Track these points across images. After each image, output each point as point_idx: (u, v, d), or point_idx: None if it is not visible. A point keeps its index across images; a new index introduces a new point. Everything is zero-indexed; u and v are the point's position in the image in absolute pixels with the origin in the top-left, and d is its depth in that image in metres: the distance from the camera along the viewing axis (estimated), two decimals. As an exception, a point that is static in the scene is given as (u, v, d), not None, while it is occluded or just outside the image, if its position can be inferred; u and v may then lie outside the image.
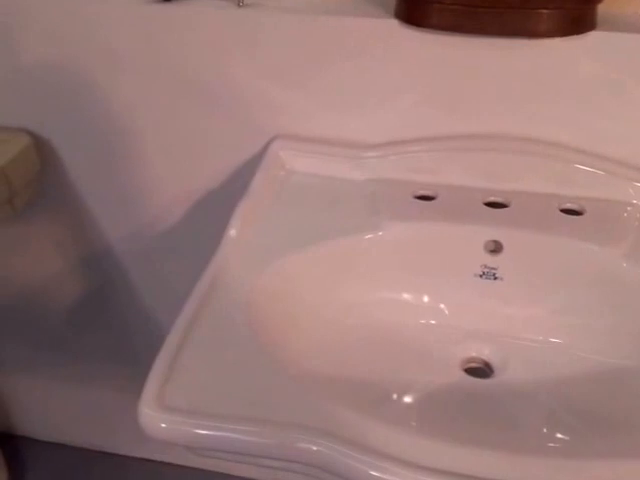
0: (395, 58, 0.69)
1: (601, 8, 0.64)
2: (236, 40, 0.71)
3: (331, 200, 0.70)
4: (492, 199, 0.69)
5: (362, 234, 0.66)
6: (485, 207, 0.68)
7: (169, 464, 1.07)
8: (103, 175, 0.84)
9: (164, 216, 0.85)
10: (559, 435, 0.57)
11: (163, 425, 0.46)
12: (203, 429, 0.46)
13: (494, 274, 0.66)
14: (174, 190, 0.83)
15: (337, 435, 0.45)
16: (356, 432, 0.47)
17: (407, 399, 0.62)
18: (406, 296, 0.67)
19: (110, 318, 0.96)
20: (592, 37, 0.65)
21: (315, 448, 0.44)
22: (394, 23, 0.67)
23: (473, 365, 0.66)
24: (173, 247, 0.87)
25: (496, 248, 0.66)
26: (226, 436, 0.46)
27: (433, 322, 0.67)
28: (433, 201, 0.69)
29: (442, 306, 0.67)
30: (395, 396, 0.62)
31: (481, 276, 0.66)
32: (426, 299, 0.67)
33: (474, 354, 0.66)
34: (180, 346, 0.52)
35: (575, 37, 0.65)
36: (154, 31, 0.72)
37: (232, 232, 0.64)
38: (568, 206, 0.68)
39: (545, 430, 0.58)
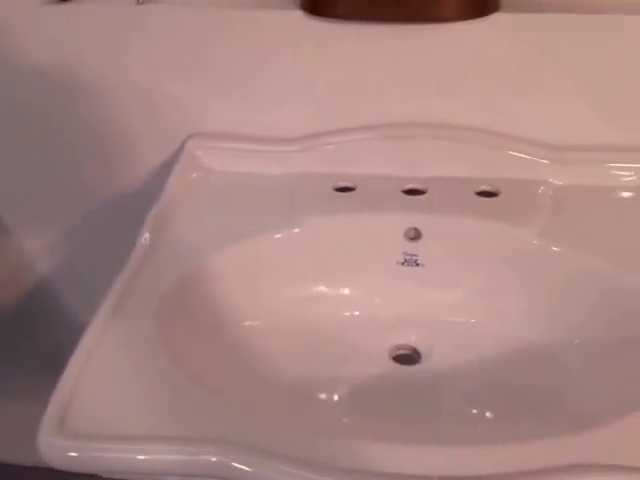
0: (304, 50, 0.69)
1: (504, -10, 0.65)
2: (139, 39, 0.69)
3: (249, 198, 0.69)
4: (410, 186, 0.69)
5: (280, 231, 0.65)
6: (403, 195, 0.69)
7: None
8: (16, 184, 0.81)
9: (84, 223, 0.82)
10: (487, 415, 0.59)
11: (70, 454, 0.45)
12: (109, 452, 0.45)
13: (415, 260, 0.66)
14: (93, 196, 0.80)
15: (243, 444, 0.44)
16: (267, 438, 0.46)
17: (337, 395, 0.62)
18: (329, 290, 0.67)
19: (37, 332, 0.93)
20: (496, 19, 0.65)
21: (216, 459, 0.43)
22: (299, 14, 0.66)
23: (401, 352, 0.66)
24: (97, 255, 0.84)
25: (415, 235, 0.66)
26: (133, 458, 0.44)
27: (358, 313, 0.67)
28: (352, 192, 0.69)
29: (367, 296, 0.67)
30: (325, 393, 0.62)
31: (403, 263, 0.67)
32: (350, 291, 0.67)
33: (401, 341, 0.66)
34: (84, 366, 0.50)
35: (479, 20, 0.65)
36: (53, 33, 0.69)
37: (144, 239, 0.63)
38: (483, 188, 0.69)
39: (474, 412, 0.59)
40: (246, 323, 0.62)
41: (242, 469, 0.43)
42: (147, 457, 0.44)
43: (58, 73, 0.72)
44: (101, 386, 0.49)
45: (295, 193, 0.69)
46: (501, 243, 0.64)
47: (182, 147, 0.73)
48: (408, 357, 0.66)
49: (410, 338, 0.66)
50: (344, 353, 0.65)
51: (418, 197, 0.68)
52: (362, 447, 0.47)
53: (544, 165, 0.69)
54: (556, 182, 0.69)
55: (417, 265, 0.66)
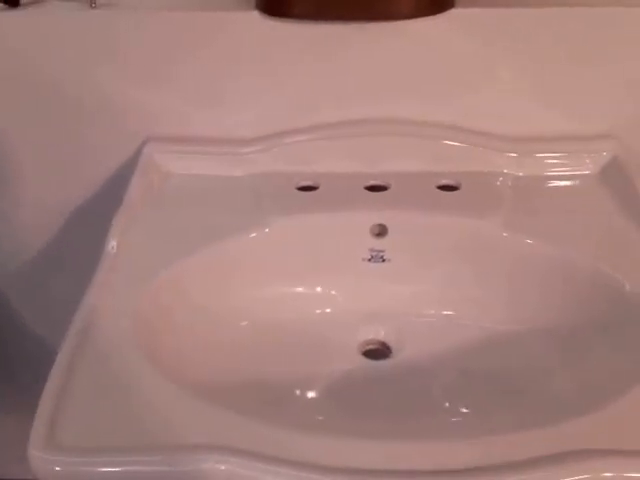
0: (261, 50, 0.68)
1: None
2: (93, 42, 0.67)
3: (212, 200, 0.68)
4: (372, 183, 0.70)
5: (247, 233, 0.65)
6: (366, 192, 0.69)
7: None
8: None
9: (41, 232, 0.80)
10: (462, 409, 0.59)
11: (57, 468, 0.44)
12: (104, 466, 0.44)
13: (382, 256, 0.67)
14: (48, 203, 0.78)
15: (243, 450, 0.44)
16: (267, 444, 0.46)
17: (310, 393, 0.62)
18: (298, 289, 0.67)
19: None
20: (452, 15, 0.66)
21: (223, 467, 0.43)
22: (255, 15, 0.66)
23: (371, 347, 0.66)
24: (56, 265, 0.82)
25: (381, 231, 0.67)
26: (130, 470, 0.44)
27: (328, 311, 0.67)
28: (315, 191, 0.69)
29: (335, 294, 0.67)
30: (298, 392, 0.62)
31: (370, 260, 0.67)
32: (319, 289, 0.67)
33: (371, 337, 0.67)
34: (66, 379, 0.49)
35: (435, 16, 0.66)
36: (7, 39, 0.67)
37: (111, 246, 0.61)
38: (444, 182, 0.70)
39: (447, 405, 0.60)
40: (218, 325, 0.62)
41: (249, 475, 0.43)
42: (143, 468, 0.44)
43: (10, 80, 0.70)
44: (85, 399, 0.48)
45: (259, 194, 0.69)
46: (465, 235, 0.65)
47: (140, 151, 0.72)
48: (379, 352, 0.66)
49: (380, 333, 0.67)
50: (315, 351, 0.65)
51: (381, 193, 0.69)
52: (346, 445, 0.47)
53: (502, 157, 0.70)
54: (514, 173, 0.70)
55: (383, 261, 0.67)
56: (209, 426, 0.46)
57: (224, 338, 0.62)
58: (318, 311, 0.67)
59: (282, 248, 0.66)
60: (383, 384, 0.63)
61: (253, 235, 0.65)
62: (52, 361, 0.85)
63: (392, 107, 0.71)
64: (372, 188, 0.70)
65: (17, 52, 0.68)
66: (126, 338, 0.53)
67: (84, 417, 0.47)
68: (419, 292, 0.67)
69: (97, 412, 0.48)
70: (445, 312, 0.66)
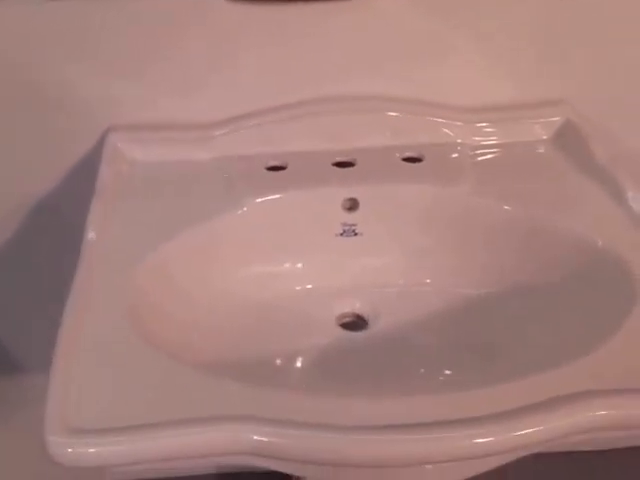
0: (221, 32, 0.69)
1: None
2: (52, 32, 0.66)
3: (184, 185, 0.68)
4: (339, 159, 0.71)
5: (223, 214, 0.65)
6: (334, 168, 0.70)
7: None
8: None
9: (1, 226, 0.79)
10: (445, 371, 0.62)
11: (80, 450, 0.44)
12: (130, 444, 0.44)
13: (354, 230, 0.69)
14: (9, 194, 0.76)
15: (265, 418, 0.45)
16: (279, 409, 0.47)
17: (295, 365, 0.64)
18: (275, 267, 0.68)
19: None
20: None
21: (247, 436, 0.44)
22: (217, -2, 0.66)
23: (349, 320, 0.68)
24: (21, 259, 0.80)
25: (352, 205, 0.68)
26: (155, 445, 0.44)
27: (305, 287, 0.68)
28: (284, 171, 0.70)
29: (310, 270, 0.69)
30: (284, 365, 0.64)
31: (342, 234, 0.69)
32: (294, 266, 0.69)
33: (348, 310, 0.69)
34: (69, 366, 0.49)
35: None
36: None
37: (91, 236, 0.61)
38: (408, 154, 0.72)
39: (426, 369, 0.62)
40: (201, 306, 0.62)
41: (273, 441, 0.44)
42: (170, 440, 0.45)
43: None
44: (91, 383, 0.49)
45: (229, 176, 0.69)
46: (435, 204, 0.68)
47: (102, 141, 0.71)
48: (356, 324, 0.68)
49: (356, 306, 0.69)
50: (295, 326, 0.66)
51: (349, 169, 0.70)
52: (348, 404, 0.49)
53: (461, 127, 0.73)
54: (473, 142, 0.73)
55: (355, 234, 0.69)
56: (219, 397, 0.47)
57: (208, 320, 0.62)
58: (295, 287, 0.68)
59: (258, 228, 0.66)
60: (363, 353, 0.65)
61: (230, 217, 0.65)
62: (20, 357, 0.85)
63: (352, 83, 0.72)
64: (339, 164, 0.71)
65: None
66: (120, 323, 0.54)
67: (94, 400, 0.48)
68: (392, 263, 0.69)
69: (105, 395, 0.48)
70: (419, 281, 0.68)
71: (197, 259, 0.64)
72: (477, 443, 0.46)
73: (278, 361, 0.64)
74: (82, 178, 0.72)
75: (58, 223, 0.76)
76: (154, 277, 0.60)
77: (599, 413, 0.46)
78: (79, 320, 0.54)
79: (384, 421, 0.47)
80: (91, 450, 0.45)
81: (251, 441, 0.45)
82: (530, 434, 0.46)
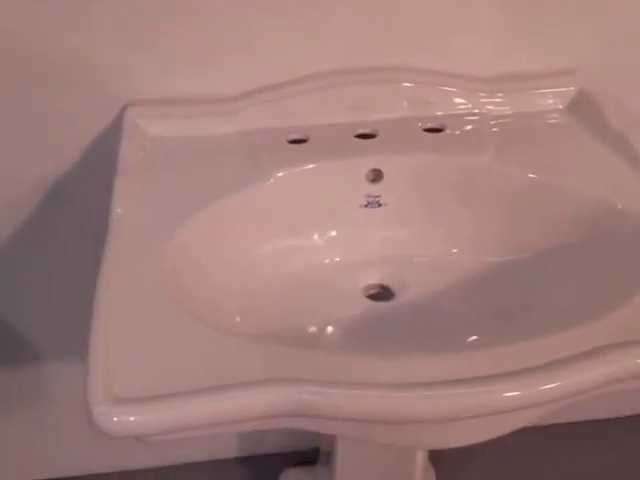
0: (240, 3, 0.68)
1: None
2: (66, 3, 0.65)
3: (207, 160, 0.68)
4: (361, 131, 0.71)
5: (248, 188, 0.65)
6: (357, 139, 0.70)
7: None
8: None
9: (14, 212, 0.77)
10: (474, 335, 0.62)
11: (131, 418, 0.43)
12: (179, 410, 0.44)
13: (378, 201, 0.69)
14: (21, 179, 0.74)
15: (309, 379, 0.46)
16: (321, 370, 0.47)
17: (326, 336, 0.64)
18: (299, 240, 0.68)
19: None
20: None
21: (302, 397, 0.44)
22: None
23: (375, 292, 0.69)
24: (33, 247, 0.79)
25: (375, 177, 0.68)
26: (205, 410, 0.44)
27: (331, 259, 0.69)
28: (306, 143, 0.70)
29: (335, 242, 0.69)
30: (313, 336, 0.64)
31: (366, 206, 0.69)
32: (318, 239, 0.69)
33: (373, 281, 0.69)
34: (108, 337, 0.49)
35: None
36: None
37: (119, 211, 0.60)
38: (429, 125, 0.72)
39: (455, 336, 0.63)
40: (233, 278, 0.62)
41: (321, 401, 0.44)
42: (214, 406, 0.44)
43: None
44: (132, 352, 0.48)
45: (251, 150, 0.69)
46: (458, 173, 0.68)
47: (121, 117, 0.70)
48: (382, 295, 0.69)
49: (381, 277, 0.69)
50: (320, 299, 0.67)
51: (371, 140, 0.70)
52: (386, 364, 0.49)
53: (479, 97, 0.73)
54: (491, 112, 0.73)
55: (380, 206, 0.69)
56: (263, 361, 0.48)
57: (234, 292, 0.62)
58: (320, 260, 0.68)
59: (283, 201, 0.66)
60: (391, 323, 0.66)
61: (256, 190, 0.65)
62: (26, 344, 0.84)
63: (371, 54, 0.72)
64: (361, 136, 0.71)
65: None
66: (154, 294, 0.53)
67: (138, 370, 0.47)
68: (417, 233, 0.69)
69: (147, 363, 0.48)
70: (444, 250, 0.69)
71: (224, 232, 0.63)
72: (528, 393, 0.47)
73: (308, 332, 0.64)
74: (99, 157, 0.72)
75: (75, 205, 0.75)
76: (184, 250, 0.59)
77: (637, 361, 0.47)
78: (114, 293, 0.53)
79: (424, 378, 0.47)
80: (140, 418, 0.44)
81: (301, 402, 0.45)
82: (574, 382, 0.47)
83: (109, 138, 0.71)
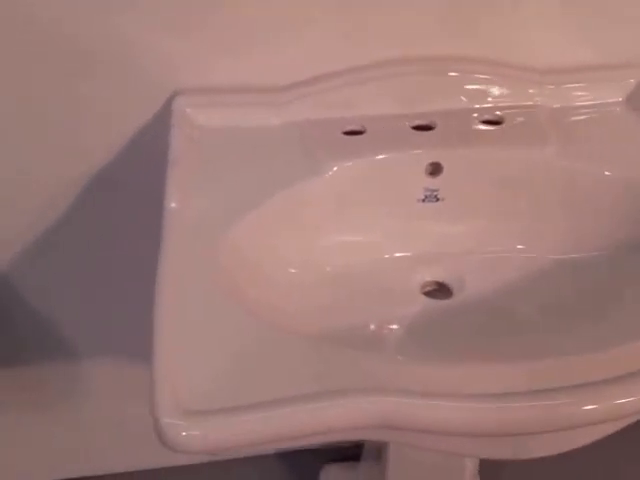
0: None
1: None
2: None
3: (260, 151, 0.65)
4: (418, 122, 0.69)
5: (305, 181, 0.62)
6: (414, 131, 0.68)
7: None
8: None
9: (47, 213, 0.74)
10: (539, 337, 0.60)
11: (196, 432, 0.41)
12: (253, 424, 0.41)
13: (436, 195, 0.66)
14: (54, 179, 0.72)
15: (394, 389, 0.43)
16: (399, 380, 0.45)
17: (387, 335, 0.62)
18: (356, 235, 0.66)
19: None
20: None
21: (391, 408, 0.42)
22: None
23: (432, 288, 0.66)
24: (72, 242, 0.76)
25: (434, 170, 0.66)
26: (283, 423, 0.41)
27: (387, 255, 0.66)
28: (363, 135, 0.67)
29: (391, 237, 0.67)
30: (374, 336, 0.62)
31: (424, 200, 0.66)
32: (375, 234, 0.66)
33: (430, 278, 0.67)
34: (171, 343, 0.46)
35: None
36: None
37: (173, 205, 0.57)
38: (487, 117, 0.70)
39: (522, 337, 0.61)
40: (291, 273, 0.60)
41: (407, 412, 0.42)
42: (293, 418, 0.41)
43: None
44: (198, 361, 0.45)
45: (304, 141, 0.66)
46: (520, 168, 0.66)
47: (168, 105, 0.67)
48: (440, 292, 0.66)
49: (438, 273, 0.67)
50: (377, 296, 0.65)
51: (429, 132, 0.68)
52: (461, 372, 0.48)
53: (536, 89, 0.71)
54: (549, 104, 0.71)
55: (437, 200, 0.67)
56: (338, 368, 0.45)
57: (291, 289, 0.60)
58: (376, 255, 0.66)
59: (339, 195, 0.64)
60: (453, 321, 0.63)
61: (313, 183, 0.62)
62: (62, 340, 0.81)
63: (425, 44, 0.70)
64: (418, 128, 0.68)
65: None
66: (216, 294, 0.51)
67: (206, 378, 0.44)
68: (475, 229, 0.67)
69: (215, 371, 0.45)
70: (503, 247, 0.67)
71: (280, 228, 0.61)
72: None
73: (368, 331, 0.62)
74: (145, 145, 0.69)
75: (120, 196, 0.72)
76: (242, 248, 0.57)
77: None
78: (173, 294, 0.50)
79: (508, 388, 0.45)
80: (214, 432, 0.41)
81: (387, 413, 0.42)
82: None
83: (156, 127, 0.68)
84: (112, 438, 0.93)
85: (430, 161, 0.65)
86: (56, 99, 0.67)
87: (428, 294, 0.66)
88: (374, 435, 0.47)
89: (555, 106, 0.71)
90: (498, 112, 0.70)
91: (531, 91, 0.71)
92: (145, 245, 0.75)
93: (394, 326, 0.62)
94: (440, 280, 0.67)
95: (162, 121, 0.67)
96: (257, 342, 0.47)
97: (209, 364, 0.45)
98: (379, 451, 0.74)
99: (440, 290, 0.67)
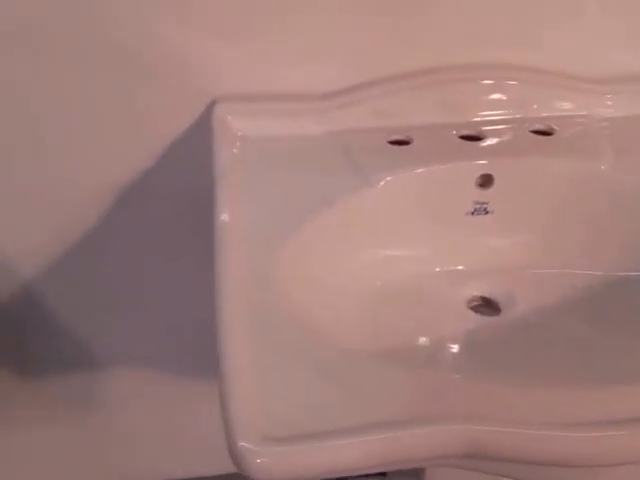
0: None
1: None
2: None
3: (305, 162, 0.63)
4: (465, 132, 0.66)
5: (354, 194, 0.60)
6: (463, 142, 0.65)
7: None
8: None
9: (84, 220, 0.71)
10: (597, 358, 0.58)
11: (275, 459, 0.39)
12: (340, 449, 0.39)
13: (485, 208, 0.64)
14: (92, 185, 0.69)
15: (485, 415, 0.41)
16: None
17: (441, 352, 0.60)
18: (403, 249, 0.63)
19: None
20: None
21: (480, 436, 0.40)
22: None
23: (478, 304, 0.64)
24: (107, 251, 0.74)
25: (485, 182, 0.63)
26: (372, 448, 0.39)
27: (435, 269, 0.64)
28: (410, 145, 0.65)
29: (438, 251, 0.64)
30: (427, 353, 0.60)
31: (473, 213, 0.64)
32: (422, 247, 0.64)
33: (477, 293, 0.64)
34: (241, 363, 0.44)
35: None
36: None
37: (224, 217, 0.55)
38: (537, 127, 0.67)
39: (579, 357, 0.58)
40: (343, 288, 0.58)
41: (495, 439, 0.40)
42: (383, 446, 0.39)
43: (46, 30, 0.61)
44: (272, 384, 0.43)
45: (351, 152, 0.64)
46: (572, 181, 0.63)
47: (209, 112, 0.65)
48: (487, 308, 0.64)
49: (486, 289, 0.65)
50: (425, 311, 0.62)
51: (479, 143, 0.65)
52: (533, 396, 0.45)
53: (589, 98, 0.69)
54: (603, 114, 0.69)
55: (487, 213, 0.64)
56: (421, 392, 0.43)
57: (352, 306, 0.58)
58: (423, 269, 0.64)
59: (388, 206, 0.62)
60: (506, 338, 0.61)
61: (362, 196, 0.60)
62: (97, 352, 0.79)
63: (471, 51, 0.68)
64: (465, 138, 0.66)
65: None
66: (280, 309, 0.49)
67: (281, 402, 0.42)
68: (525, 244, 0.65)
69: (290, 395, 0.43)
70: (554, 263, 0.64)
71: (332, 241, 0.59)
72: None
73: (421, 348, 0.60)
74: (185, 153, 0.67)
75: (158, 204, 0.70)
76: (297, 261, 0.55)
77: None
78: (237, 313, 0.48)
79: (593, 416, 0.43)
80: (295, 460, 0.40)
81: (478, 441, 0.40)
82: None
83: (195, 133, 0.66)
84: (130, 451, 0.91)
85: (481, 173, 0.63)
86: (98, 104, 0.65)
87: (475, 309, 0.64)
88: (452, 463, 0.45)
89: (606, 116, 0.69)
90: (546, 122, 0.68)
91: (581, 100, 0.69)
92: (179, 254, 0.73)
93: (447, 344, 0.60)
94: (488, 295, 0.64)
95: (201, 128, 0.65)
96: (329, 363, 0.45)
97: (284, 387, 0.43)
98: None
99: (487, 305, 0.64)
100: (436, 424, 0.40)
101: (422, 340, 0.59)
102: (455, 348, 0.60)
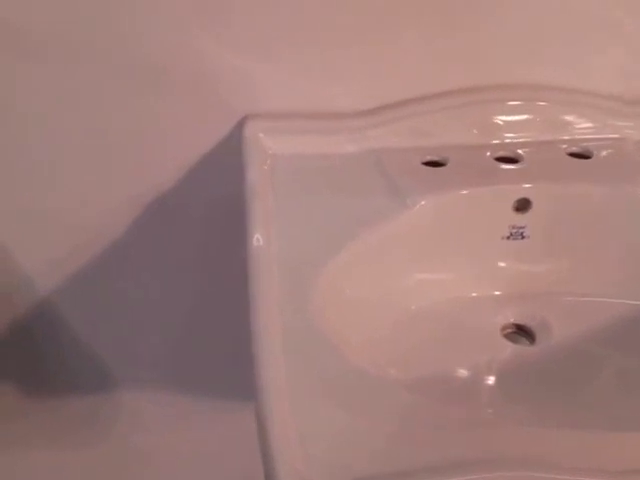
0: (373, 12, 0.61)
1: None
2: (195, 3, 0.58)
3: (340, 182, 0.61)
4: (501, 154, 0.65)
5: (394, 216, 0.58)
6: (498, 163, 0.64)
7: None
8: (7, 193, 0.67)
9: (105, 238, 0.70)
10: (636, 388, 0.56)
11: None
12: None
13: (522, 233, 0.62)
14: (116, 200, 0.68)
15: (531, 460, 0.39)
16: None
17: (478, 384, 0.58)
18: (441, 273, 0.62)
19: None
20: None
21: None
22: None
23: (512, 331, 0.62)
24: (129, 272, 0.72)
25: (522, 206, 0.62)
26: None
27: (468, 295, 0.62)
28: (445, 167, 0.63)
29: (473, 277, 0.63)
30: (463, 384, 0.58)
31: (509, 237, 0.62)
32: (459, 272, 0.62)
33: (512, 320, 0.63)
34: (283, 402, 0.42)
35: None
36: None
37: (257, 239, 0.53)
38: (574, 150, 0.66)
39: (623, 393, 0.57)
40: (378, 313, 0.56)
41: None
42: None
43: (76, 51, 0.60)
44: (315, 424, 0.41)
45: (383, 171, 0.62)
46: (613, 206, 0.62)
47: (236, 131, 0.63)
48: (522, 336, 0.62)
49: (521, 316, 0.63)
50: (458, 339, 0.61)
51: (515, 165, 0.64)
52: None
53: (627, 121, 0.67)
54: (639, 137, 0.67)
55: (523, 238, 0.63)
56: (475, 433, 0.41)
57: (386, 332, 0.56)
58: (457, 295, 0.62)
59: (426, 230, 0.60)
60: (546, 373, 0.59)
61: (397, 219, 0.58)
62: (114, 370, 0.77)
63: (505, 71, 0.66)
64: (501, 159, 0.65)
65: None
66: (319, 340, 0.47)
67: (324, 444, 0.40)
68: (562, 270, 0.63)
69: (334, 435, 0.41)
70: (591, 290, 0.63)
71: (368, 266, 0.57)
72: None
73: (455, 380, 0.58)
74: (213, 173, 0.65)
75: (184, 222, 0.68)
76: (333, 287, 0.53)
77: None
78: (275, 344, 0.46)
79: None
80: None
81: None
82: None
83: (225, 151, 0.64)
84: (143, 471, 0.89)
85: (519, 197, 0.61)
86: (128, 119, 0.64)
87: (509, 337, 0.62)
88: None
89: (644, 139, 0.67)
90: (581, 144, 0.66)
91: (619, 123, 0.67)
92: (203, 274, 0.71)
93: (483, 376, 0.59)
94: (522, 323, 0.63)
95: (231, 145, 0.64)
96: (374, 399, 0.44)
97: (327, 427, 0.41)
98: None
99: (521, 333, 0.63)
100: (494, 470, 0.38)
101: (458, 371, 0.58)
102: (491, 380, 0.58)
